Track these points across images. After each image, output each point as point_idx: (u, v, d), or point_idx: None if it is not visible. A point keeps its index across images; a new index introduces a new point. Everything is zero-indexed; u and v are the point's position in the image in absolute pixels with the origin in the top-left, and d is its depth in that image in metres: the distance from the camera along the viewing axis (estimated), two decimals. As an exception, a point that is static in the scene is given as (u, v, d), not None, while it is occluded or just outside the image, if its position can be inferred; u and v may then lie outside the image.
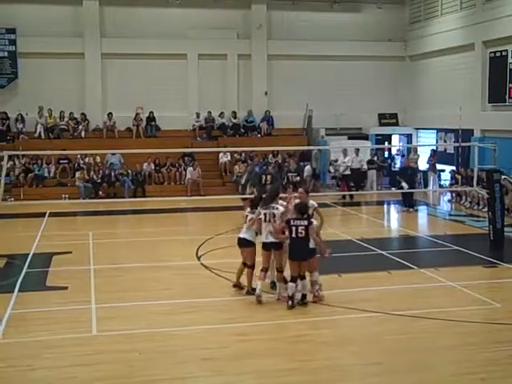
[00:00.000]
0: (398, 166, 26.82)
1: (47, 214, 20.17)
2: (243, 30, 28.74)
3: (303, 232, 10.44)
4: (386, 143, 28.78)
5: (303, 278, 10.59)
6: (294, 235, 10.49)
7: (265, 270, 11.09)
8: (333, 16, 29.19)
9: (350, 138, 28.36)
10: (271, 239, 10.94)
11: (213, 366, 8.27)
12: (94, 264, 13.80)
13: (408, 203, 21.13)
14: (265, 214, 11.01)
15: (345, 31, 29.12)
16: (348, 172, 24.71)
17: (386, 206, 23.70)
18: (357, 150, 24.94)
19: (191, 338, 9.35)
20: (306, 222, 10.49)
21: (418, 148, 26.50)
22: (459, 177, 23.43)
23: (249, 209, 11.55)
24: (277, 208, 11.06)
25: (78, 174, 24.83)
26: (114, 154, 25.33)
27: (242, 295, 11.37)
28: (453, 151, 25.71)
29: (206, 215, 20.78)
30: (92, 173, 24.73)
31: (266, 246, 11.01)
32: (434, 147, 25.89)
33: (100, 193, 24.37)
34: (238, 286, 11.62)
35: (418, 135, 29.34)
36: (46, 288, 12.12)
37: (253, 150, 25.65)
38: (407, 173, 21.60)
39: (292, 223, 10.53)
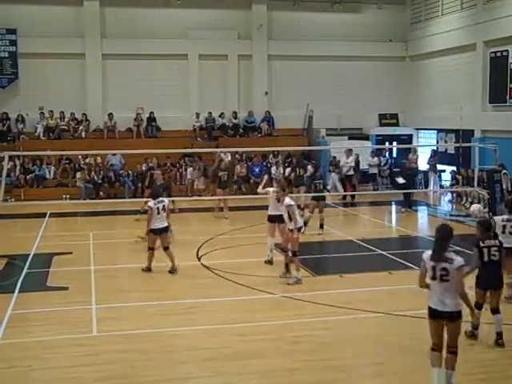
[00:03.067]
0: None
1: (48, 215, 20.17)
2: (244, 31, 28.73)
3: (496, 254, 9.01)
4: (387, 143, 28.78)
5: (496, 311, 8.95)
6: (485, 259, 9.01)
7: None
8: (333, 16, 29.19)
9: (350, 139, 28.36)
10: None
11: (214, 367, 8.27)
12: (94, 264, 13.81)
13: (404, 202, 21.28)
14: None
15: (345, 32, 29.12)
16: (351, 172, 24.77)
17: (386, 206, 23.67)
18: (351, 151, 24.98)
19: (192, 338, 9.36)
20: (497, 242, 9.15)
21: (419, 148, 26.54)
22: (460, 177, 23.43)
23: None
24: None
25: (78, 175, 24.83)
26: (114, 155, 25.31)
27: (243, 295, 11.39)
28: (453, 151, 25.70)
29: (206, 216, 20.78)
30: (93, 173, 24.72)
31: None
32: (435, 147, 25.88)
33: (101, 193, 24.37)
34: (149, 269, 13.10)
35: (418, 135, 29.34)
36: (46, 288, 12.12)
37: (253, 151, 25.64)
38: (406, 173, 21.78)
39: (482, 244, 9.05)
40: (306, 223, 16.56)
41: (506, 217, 10.76)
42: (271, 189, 13.48)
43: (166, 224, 13.09)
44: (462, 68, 25.81)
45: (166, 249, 13.10)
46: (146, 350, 8.77)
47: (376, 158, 26.21)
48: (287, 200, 12.25)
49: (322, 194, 17.18)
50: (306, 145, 27.55)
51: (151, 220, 12.94)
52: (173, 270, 13.00)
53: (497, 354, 8.53)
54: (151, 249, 13.06)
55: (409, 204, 21.42)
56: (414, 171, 22.31)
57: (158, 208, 12.94)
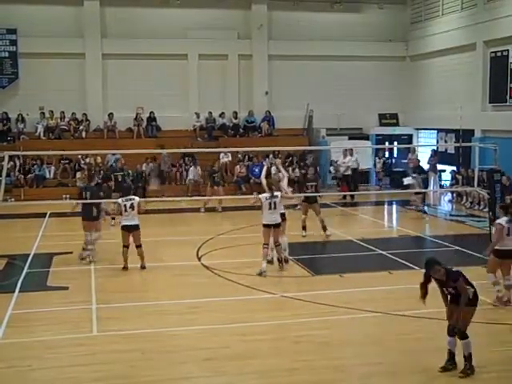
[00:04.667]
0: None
1: (48, 215, 20.17)
2: (244, 30, 28.74)
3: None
4: (387, 143, 28.81)
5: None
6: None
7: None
8: (334, 16, 29.19)
9: (350, 138, 28.36)
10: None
11: (214, 367, 8.28)
12: (94, 264, 13.82)
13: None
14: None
15: (346, 31, 29.12)
16: (349, 172, 24.74)
17: (386, 206, 23.70)
18: (350, 150, 24.94)
19: (192, 338, 9.36)
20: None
21: (419, 148, 26.56)
22: (460, 177, 23.44)
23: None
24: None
25: (78, 175, 24.80)
26: (114, 155, 25.30)
27: (243, 295, 11.40)
28: (453, 151, 25.70)
29: (206, 215, 20.78)
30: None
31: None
32: (435, 147, 25.89)
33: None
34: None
35: (418, 135, 29.35)
36: (46, 288, 12.14)
37: (253, 151, 25.65)
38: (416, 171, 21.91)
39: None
40: (304, 227, 16.53)
41: (506, 218, 10.63)
42: (264, 195, 13.13)
43: (135, 222, 13.31)
44: (462, 68, 25.82)
45: (137, 247, 13.36)
46: (146, 350, 8.78)
47: (348, 158, 25.38)
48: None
49: (311, 194, 16.67)
50: (306, 145, 27.55)
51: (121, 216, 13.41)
52: (143, 267, 13.33)
53: (497, 354, 8.54)
54: (125, 246, 13.29)
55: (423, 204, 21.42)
56: (422, 170, 22.31)
57: (125, 205, 13.27)
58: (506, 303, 10.67)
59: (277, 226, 12.98)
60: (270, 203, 12.85)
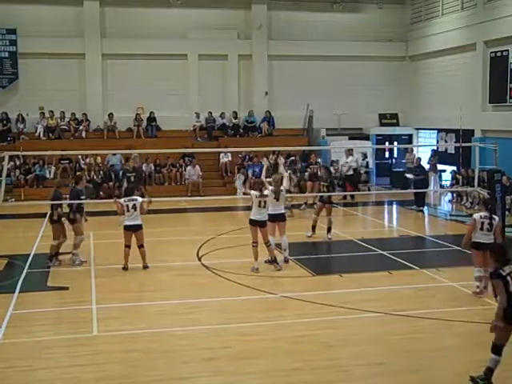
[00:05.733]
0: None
1: (48, 215, 20.13)
2: (244, 30, 28.75)
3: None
4: (387, 143, 28.80)
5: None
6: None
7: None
8: (333, 16, 29.20)
9: (350, 139, 28.37)
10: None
11: (214, 367, 8.27)
12: (94, 264, 13.82)
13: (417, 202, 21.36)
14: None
15: (345, 31, 29.12)
16: (351, 172, 24.72)
17: (386, 206, 23.71)
18: (351, 150, 24.93)
19: (193, 338, 9.36)
20: None
21: (420, 148, 26.55)
22: (460, 177, 23.44)
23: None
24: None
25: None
26: (114, 155, 25.32)
27: (243, 295, 11.39)
28: (453, 151, 25.70)
29: (206, 215, 20.79)
30: (92, 173, 24.71)
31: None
32: (435, 147, 25.90)
33: (101, 193, 24.36)
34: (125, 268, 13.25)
35: (418, 135, 29.36)
36: (46, 288, 12.14)
37: (253, 151, 25.65)
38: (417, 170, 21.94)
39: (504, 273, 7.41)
40: (313, 227, 16.51)
41: (483, 214, 11.14)
42: (254, 192, 13.11)
43: (138, 222, 13.34)
44: (462, 68, 25.84)
45: (139, 247, 13.39)
46: (147, 350, 8.77)
47: (350, 158, 24.93)
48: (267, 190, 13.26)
49: (322, 194, 16.71)
50: (306, 145, 27.55)
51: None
52: (145, 267, 13.39)
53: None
54: (127, 246, 13.30)
55: (422, 203, 21.40)
56: (423, 169, 22.31)
57: (127, 206, 13.30)
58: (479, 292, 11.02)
59: (262, 224, 12.99)
60: (260, 201, 12.97)
